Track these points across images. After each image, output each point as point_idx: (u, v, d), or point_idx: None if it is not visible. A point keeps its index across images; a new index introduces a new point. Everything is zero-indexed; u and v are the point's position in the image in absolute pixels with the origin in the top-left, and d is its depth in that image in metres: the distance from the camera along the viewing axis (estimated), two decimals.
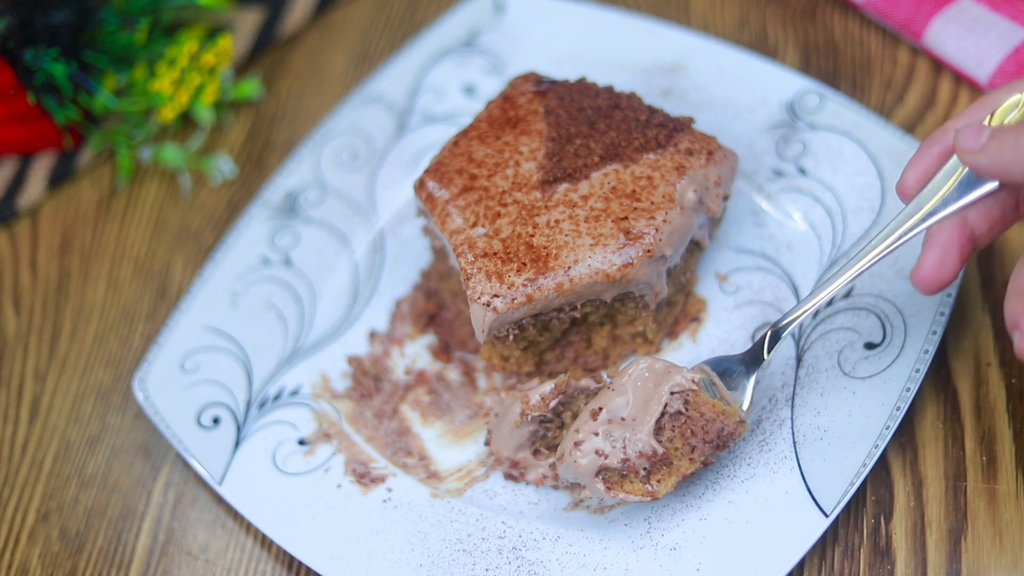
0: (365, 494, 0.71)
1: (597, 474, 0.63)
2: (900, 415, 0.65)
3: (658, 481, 0.63)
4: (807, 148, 0.78)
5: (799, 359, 0.70)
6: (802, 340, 0.71)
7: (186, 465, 0.76)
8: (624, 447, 0.63)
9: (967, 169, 0.57)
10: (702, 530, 0.65)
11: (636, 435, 0.63)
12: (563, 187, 0.70)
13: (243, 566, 0.72)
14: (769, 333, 0.66)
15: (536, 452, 0.69)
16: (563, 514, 0.69)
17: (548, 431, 0.69)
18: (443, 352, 0.78)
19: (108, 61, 0.91)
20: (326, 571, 0.68)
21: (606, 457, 0.63)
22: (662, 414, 0.63)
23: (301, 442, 0.74)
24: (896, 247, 0.60)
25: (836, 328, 0.70)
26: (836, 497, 0.63)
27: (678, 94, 0.83)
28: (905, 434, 0.68)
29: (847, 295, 0.71)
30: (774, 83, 0.81)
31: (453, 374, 0.77)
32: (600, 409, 0.64)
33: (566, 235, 0.68)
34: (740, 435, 0.64)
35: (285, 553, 0.71)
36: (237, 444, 0.74)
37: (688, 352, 0.74)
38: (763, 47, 0.88)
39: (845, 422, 0.66)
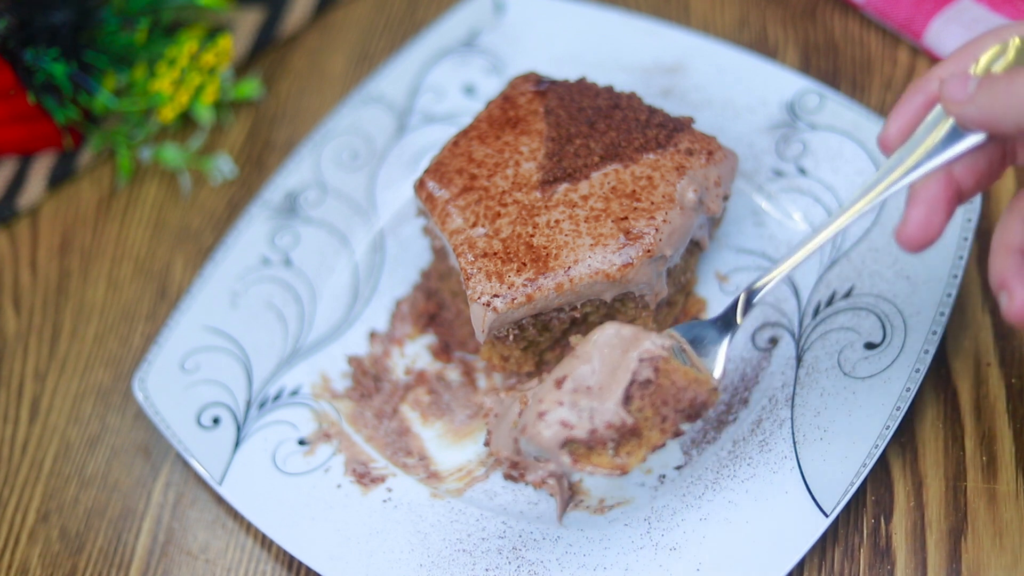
0: (365, 494, 0.71)
1: (563, 446, 0.59)
2: (900, 415, 0.65)
3: (628, 453, 0.59)
4: (807, 148, 0.78)
5: (799, 359, 0.70)
6: (802, 340, 0.71)
7: (186, 465, 0.76)
8: (591, 418, 0.59)
9: (952, 120, 0.54)
10: (702, 530, 0.65)
11: (604, 405, 0.59)
12: (563, 187, 0.70)
13: (243, 566, 0.71)
14: (743, 296, 0.63)
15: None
16: (563, 514, 0.69)
17: None
18: (443, 352, 0.78)
19: (108, 61, 0.91)
20: (326, 571, 0.67)
21: (572, 428, 0.58)
22: (631, 383, 0.59)
23: (301, 442, 0.74)
24: (878, 202, 0.57)
25: (836, 328, 0.70)
26: (836, 497, 0.63)
27: (678, 94, 0.83)
28: (905, 434, 0.68)
29: (847, 295, 0.71)
30: (774, 83, 0.81)
31: (453, 374, 0.77)
32: (565, 378, 0.60)
33: (566, 235, 0.68)
34: (713, 404, 0.60)
35: (285, 553, 0.71)
36: (237, 444, 0.74)
37: None
38: (763, 47, 0.88)
39: (845, 422, 0.66)
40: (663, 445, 0.60)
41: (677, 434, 0.60)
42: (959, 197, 0.54)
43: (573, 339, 0.64)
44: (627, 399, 0.59)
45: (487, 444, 0.70)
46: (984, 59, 0.54)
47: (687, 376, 0.60)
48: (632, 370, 0.59)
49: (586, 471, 0.59)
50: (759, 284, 0.62)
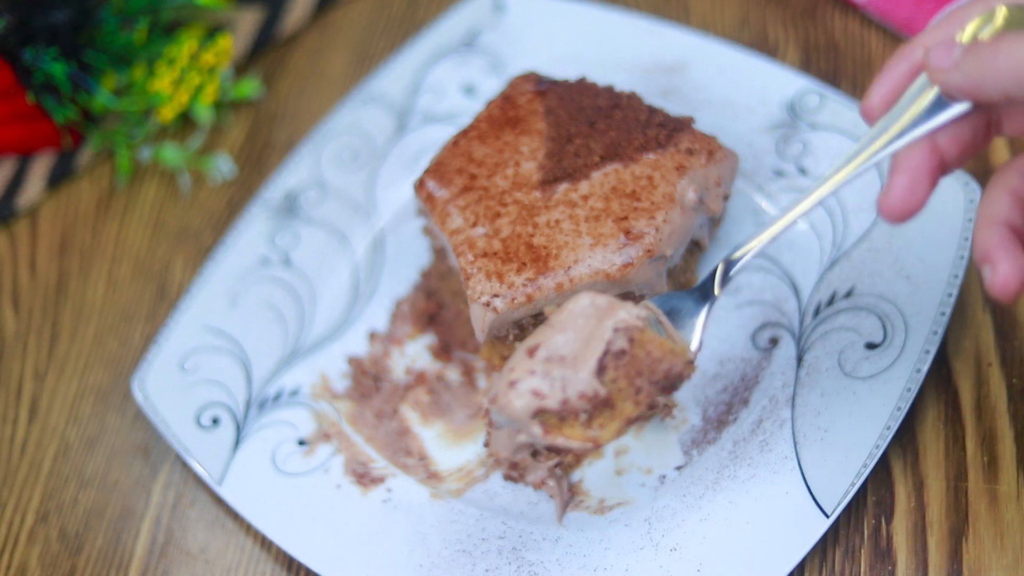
0: (365, 495, 0.71)
1: (534, 416, 0.57)
2: (901, 415, 0.65)
3: (601, 426, 0.58)
4: (808, 148, 0.78)
5: (800, 359, 0.70)
6: (803, 340, 0.71)
7: (185, 465, 0.76)
8: (564, 387, 0.57)
9: (936, 88, 0.53)
10: (702, 531, 0.65)
11: (577, 375, 0.57)
12: (563, 187, 0.70)
13: (243, 566, 0.71)
14: (721, 266, 0.61)
15: (536, 453, 0.69)
16: (563, 515, 0.69)
17: None
18: (443, 352, 0.78)
19: (107, 61, 0.91)
20: (326, 572, 0.67)
21: (544, 398, 0.57)
22: (605, 353, 0.57)
23: (301, 442, 0.74)
24: (861, 172, 0.56)
25: (837, 328, 0.70)
26: (837, 498, 0.63)
27: (678, 94, 0.83)
28: (906, 434, 0.68)
29: (848, 295, 0.71)
30: (774, 83, 0.80)
31: (453, 374, 0.77)
32: (537, 346, 0.58)
33: (566, 235, 0.67)
34: (688, 376, 0.59)
35: (284, 554, 0.71)
36: (237, 444, 0.74)
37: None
38: (763, 47, 0.88)
39: (846, 422, 0.66)
40: (637, 418, 0.58)
41: (652, 407, 0.59)
42: (943, 168, 0.53)
43: (548, 308, 0.62)
44: (601, 369, 0.57)
45: (487, 445, 0.70)
46: (970, 27, 0.53)
47: (662, 347, 0.58)
48: (606, 340, 0.58)
49: (557, 443, 0.58)
50: (738, 254, 0.61)
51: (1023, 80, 0.48)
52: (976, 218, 0.52)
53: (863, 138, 0.55)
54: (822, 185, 0.57)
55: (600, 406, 0.58)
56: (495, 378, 0.60)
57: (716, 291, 0.61)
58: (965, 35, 0.53)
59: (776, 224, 0.59)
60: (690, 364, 0.59)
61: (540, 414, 0.58)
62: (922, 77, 0.54)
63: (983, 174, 0.76)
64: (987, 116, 0.53)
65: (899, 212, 0.52)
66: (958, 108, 0.52)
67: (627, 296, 0.70)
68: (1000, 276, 0.49)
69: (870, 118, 0.56)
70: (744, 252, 0.60)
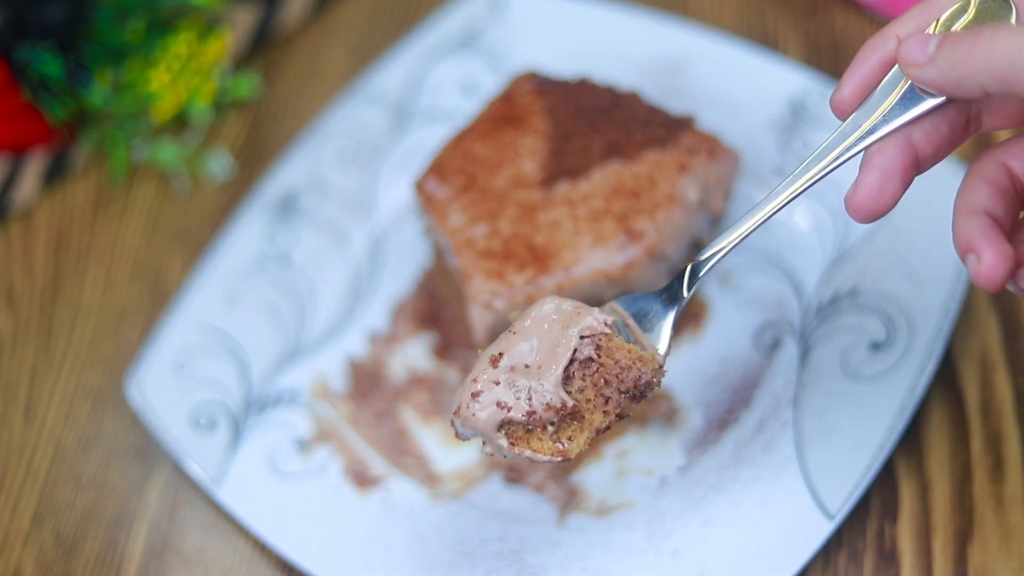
0: (364, 496, 0.71)
1: (499, 428, 0.56)
2: (905, 417, 0.64)
3: (569, 438, 0.56)
4: (809, 146, 0.78)
5: (802, 360, 0.70)
6: (805, 340, 0.71)
7: (182, 467, 0.75)
8: (529, 398, 0.55)
9: (911, 82, 0.51)
10: (704, 533, 0.64)
11: (542, 385, 0.55)
12: (564, 186, 0.69)
13: (240, 569, 0.71)
14: (688, 268, 0.59)
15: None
16: (563, 517, 0.68)
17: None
18: (443, 352, 0.78)
19: (103, 58, 0.90)
20: (324, 574, 0.67)
21: (508, 410, 0.55)
22: (571, 361, 0.56)
23: (299, 443, 0.74)
24: (831, 170, 0.54)
25: (839, 328, 0.70)
26: (841, 500, 0.63)
27: (679, 92, 0.83)
28: (910, 436, 0.68)
29: (851, 294, 0.71)
30: (776, 81, 0.80)
31: (453, 374, 0.76)
32: (501, 355, 0.56)
33: (567, 234, 0.67)
34: (658, 383, 0.57)
35: (282, 556, 0.71)
36: (234, 446, 0.73)
37: (689, 352, 0.74)
38: (765, 45, 0.88)
39: (849, 424, 0.65)
40: (607, 428, 0.57)
41: (621, 416, 0.57)
42: (917, 166, 0.51)
43: (512, 314, 0.60)
44: (567, 379, 0.56)
45: (484, 446, 0.70)
46: (944, 17, 0.50)
47: (631, 355, 0.57)
48: (572, 347, 0.56)
49: (524, 456, 0.56)
50: (704, 256, 0.58)
51: (1001, 75, 0.46)
52: (955, 208, 0.50)
53: (834, 133, 0.53)
54: (791, 185, 0.55)
55: (567, 417, 0.56)
56: (458, 389, 0.58)
57: (684, 293, 0.59)
58: (939, 26, 0.50)
59: (744, 226, 0.57)
60: (660, 370, 0.58)
61: (505, 425, 0.56)
62: (895, 69, 0.52)
63: None
64: (966, 112, 0.52)
65: (867, 211, 0.51)
66: (933, 101, 0.50)
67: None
68: (986, 265, 0.48)
69: (841, 113, 0.54)
70: (711, 253, 0.58)
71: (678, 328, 0.75)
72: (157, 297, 0.85)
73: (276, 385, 0.76)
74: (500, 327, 0.68)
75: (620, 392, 0.56)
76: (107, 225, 0.90)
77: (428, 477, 0.72)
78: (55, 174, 0.92)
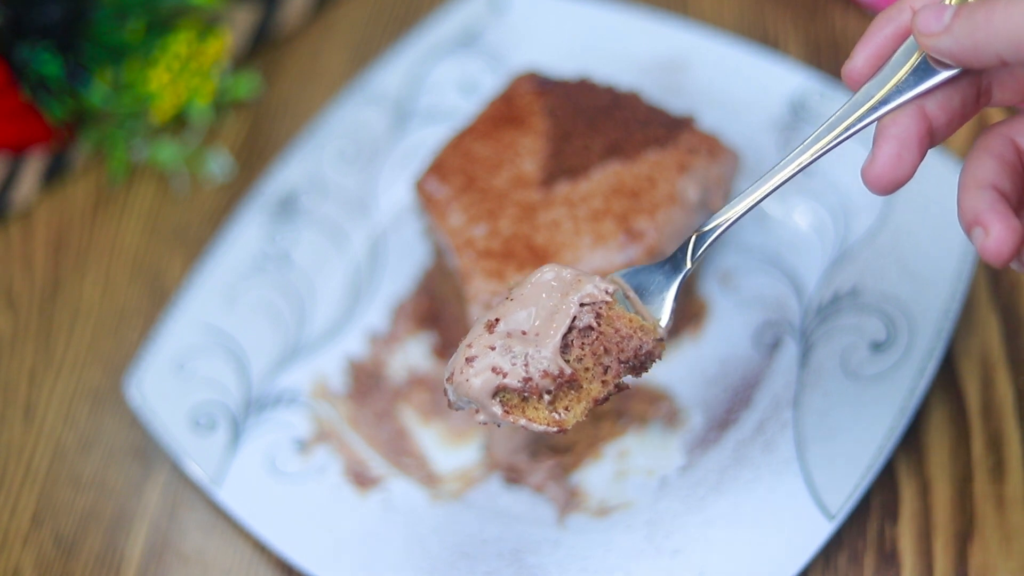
0: (363, 496, 0.70)
1: (494, 395, 0.54)
2: (906, 417, 0.64)
3: (566, 408, 0.54)
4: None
5: (803, 360, 0.70)
6: (805, 340, 0.70)
7: (182, 468, 0.75)
8: (525, 365, 0.54)
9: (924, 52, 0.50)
10: (705, 534, 0.64)
11: (540, 352, 0.54)
12: (564, 186, 0.69)
13: (240, 570, 0.71)
14: (693, 238, 0.57)
15: (535, 455, 0.69)
16: (563, 517, 0.68)
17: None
18: (443, 352, 0.77)
19: (103, 58, 0.90)
20: (324, 575, 0.67)
21: (504, 375, 0.54)
22: (570, 328, 0.54)
23: (299, 444, 0.73)
24: (842, 140, 0.52)
25: (840, 328, 0.70)
26: (841, 500, 0.62)
27: (680, 92, 0.82)
28: (911, 436, 0.68)
29: (851, 294, 0.71)
30: (777, 81, 0.80)
31: None
32: (497, 320, 0.55)
33: (566, 234, 0.67)
34: (659, 356, 0.56)
35: (282, 557, 0.70)
36: (234, 446, 0.73)
37: (689, 352, 0.73)
38: (766, 45, 0.88)
39: (850, 424, 0.65)
40: (606, 399, 0.55)
41: (620, 388, 0.56)
42: (931, 136, 0.50)
43: (511, 281, 0.60)
44: (565, 347, 0.54)
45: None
46: None
47: (632, 324, 0.55)
48: (572, 315, 0.54)
49: (519, 424, 0.54)
50: (710, 226, 0.56)
51: (1019, 42, 0.45)
52: (960, 183, 0.50)
53: (847, 103, 0.52)
54: (802, 153, 0.53)
55: (564, 386, 0.54)
56: (452, 355, 0.56)
57: (688, 263, 0.57)
58: None
59: (752, 195, 0.55)
60: (660, 342, 0.56)
61: (500, 392, 0.54)
62: (909, 40, 0.51)
63: None
64: (976, 84, 0.51)
65: (885, 182, 0.50)
66: (946, 73, 0.50)
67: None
68: (993, 239, 0.47)
69: (853, 83, 0.53)
70: (717, 223, 0.56)
71: (678, 329, 0.75)
72: (156, 297, 0.84)
73: (276, 385, 0.76)
74: None
75: (620, 362, 0.55)
76: (106, 225, 0.89)
77: (428, 477, 0.72)
78: (54, 174, 0.92)
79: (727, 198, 0.71)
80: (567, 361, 0.54)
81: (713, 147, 0.71)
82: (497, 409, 0.54)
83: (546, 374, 0.54)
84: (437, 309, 0.79)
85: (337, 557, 0.68)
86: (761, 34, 0.89)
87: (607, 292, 0.55)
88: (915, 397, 0.65)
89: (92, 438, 0.78)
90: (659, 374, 0.73)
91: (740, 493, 0.65)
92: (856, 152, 0.76)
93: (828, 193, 0.76)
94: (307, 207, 0.83)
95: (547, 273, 0.56)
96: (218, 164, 0.90)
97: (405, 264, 0.81)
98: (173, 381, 0.76)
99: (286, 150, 0.89)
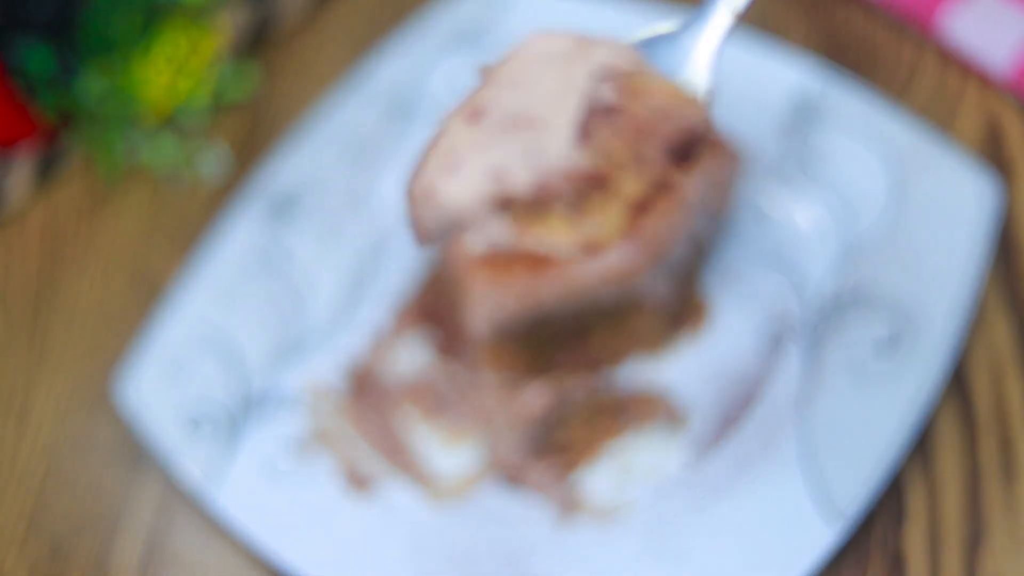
0: (363, 497, 0.70)
1: (495, 209, 0.38)
2: (913, 419, 0.64)
3: (596, 219, 0.38)
4: (812, 147, 0.77)
5: (805, 359, 0.69)
6: (808, 339, 0.70)
7: (176, 470, 0.75)
8: (533, 161, 0.39)
9: None
10: (705, 536, 0.64)
11: (548, 144, 0.38)
12: None
13: (236, 572, 0.71)
14: None
15: (536, 455, 0.69)
16: (564, 519, 0.68)
17: (547, 433, 0.69)
18: (443, 352, 0.77)
19: (96, 54, 0.90)
20: None
21: (506, 178, 0.38)
22: (587, 110, 0.39)
23: (298, 444, 0.73)
24: None
25: (844, 327, 0.69)
26: (845, 503, 0.62)
27: None
28: (918, 439, 0.67)
29: (856, 292, 0.70)
30: (778, 80, 0.80)
31: (453, 374, 0.76)
32: (482, 109, 0.40)
33: None
34: (710, 129, 0.40)
35: (279, 559, 0.70)
36: (231, 448, 0.73)
37: (689, 352, 0.73)
38: (767, 44, 0.88)
39: (854, 426, 0.65)
40: (644, 203, 0.40)
41: (665, 185, 0.41)
42: None
43: (486, 66, 0.42)
44: (584, 134, 0.40)
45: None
46: None
47: (669, 94, 0.41)
48: (586, 93, 0.40)
49: (535, 246, 0.39)
50: None
51: None
52: None
53: None
54: None
55: (588, 186, 0.40)
56: (425, 168, 0.39)
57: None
58: None
59: None
60: (707, 120, 0.40)
61: (504, 204, 0.40)
62: None
63: (998, 166, 0.75)
64: None
65: None
66: None
67: (628, 296, 0.69)
68: None
69: None
70: None
71: (679, 328, 0.75)
72: (152, 297, 0.84)
73: (274, 385, 0.76)
74: (500, 329, 0.67)
75: (660, 148, 0.41)
76: (101, 224, 0.89)
77: (428, 477, 0.72)
78: (47, 173, 0.92)
79: (728, 199, 0.71)
80: (588, 153, 0.40)
81: (714, 147, 0.71)
82: (503, 227, 0.40)
83: (565, 173, 0.39)
84: (437, 309, 0.79)
85: (336, 559, 0.67)
86: (763, 35, 0.88)
87: (629, 59, 0.40)
88: (922, 397, 0.64)
89: (86, 441, 0.78)
90: (659, 374, 0.72)
91: (741, 495, 0.65)
92: (861, 158, 0.76)
93: (830, 194, 0.75)
94: (307, 207, 0.83)
95: (539, 43, 0.41)
96: (215, 163, 0.90)
97: (405, 264, 0.81)
98: (169, 382, 0.76)
99: (284, 148, 0.89)
